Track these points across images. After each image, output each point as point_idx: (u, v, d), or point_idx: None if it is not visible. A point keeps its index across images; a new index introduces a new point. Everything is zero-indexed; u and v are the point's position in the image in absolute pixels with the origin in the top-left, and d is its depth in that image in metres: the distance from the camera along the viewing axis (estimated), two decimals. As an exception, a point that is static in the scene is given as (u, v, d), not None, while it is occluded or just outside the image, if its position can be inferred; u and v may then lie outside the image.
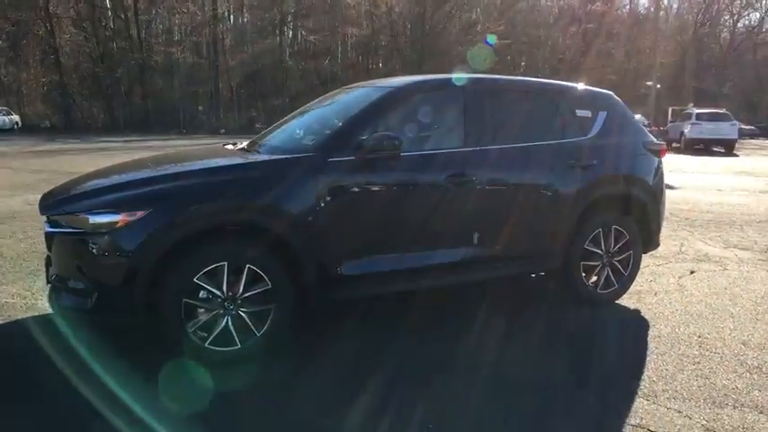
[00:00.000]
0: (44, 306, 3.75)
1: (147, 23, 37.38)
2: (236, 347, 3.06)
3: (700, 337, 3.66)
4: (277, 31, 39.04)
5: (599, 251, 4.10)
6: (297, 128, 4.03)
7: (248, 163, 3.24)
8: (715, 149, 23.69)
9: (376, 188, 3.35)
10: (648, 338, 3.63)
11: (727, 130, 23.89)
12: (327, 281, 3.26)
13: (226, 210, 3.05)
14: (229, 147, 4.05)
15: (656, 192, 4.30)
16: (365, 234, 3.37)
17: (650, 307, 4.21)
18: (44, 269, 3.36)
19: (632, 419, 2.67)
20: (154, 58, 35.90)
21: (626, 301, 4.30)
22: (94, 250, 2.86)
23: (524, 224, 3.80)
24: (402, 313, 3.92)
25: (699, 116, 24.31)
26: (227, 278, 2.99)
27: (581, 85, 4.35)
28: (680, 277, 4.98)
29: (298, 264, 3.14)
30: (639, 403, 2.82)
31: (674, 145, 24.40)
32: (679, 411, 2.74)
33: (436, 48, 41.92)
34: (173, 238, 2.87)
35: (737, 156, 21.70)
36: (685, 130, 24.50)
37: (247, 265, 3.02)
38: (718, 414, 2.72)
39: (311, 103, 4.60)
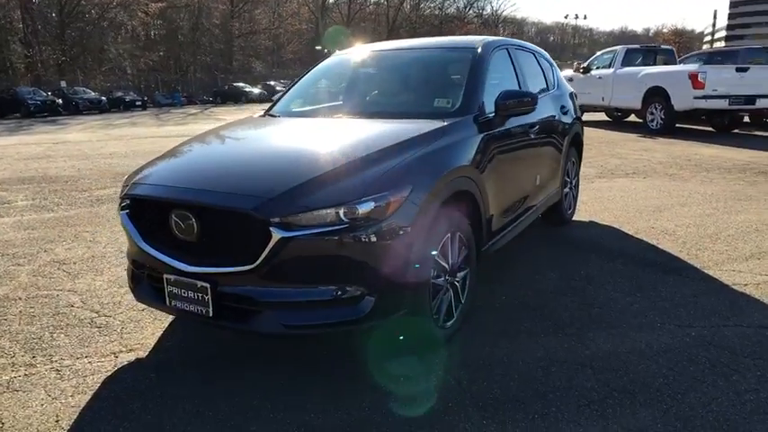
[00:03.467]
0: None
1: None
2: (453, 319, 2.95)
3: (664, 230, 5.00)
4: None
5: (568, 179, 5.07)
6: (357, 91, 3.82)
7: (438, 129, 2.97)
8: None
9: (511, 142, 3.54)
10: (637, 236, 4.81)
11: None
12: (491, 235, 3.36)
13: (456, 177, 2.84)
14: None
15: (582, 128, 5.47)
16: (509, 184, 3.54)
17: (597, 216, 5.44)
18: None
19: (726, 281, 3.73)
20: None
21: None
22: (369, 245, 2.36)
23: (553, 163, 4.48)
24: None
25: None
26: (450, 249, 2.85)
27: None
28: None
29: (479, 223, 3.15)
30: (713, 272, 3.91)
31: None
32: (739, 271, 3.93)
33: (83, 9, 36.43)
34: (430, 215, 2.58)
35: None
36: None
37: (458, 233, 2.92)
38: (757, 264, 4.03)
39: (338, 66, 4.31)
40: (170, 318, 3.31)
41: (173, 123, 21.69)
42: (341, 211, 2.32)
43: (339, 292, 2.38)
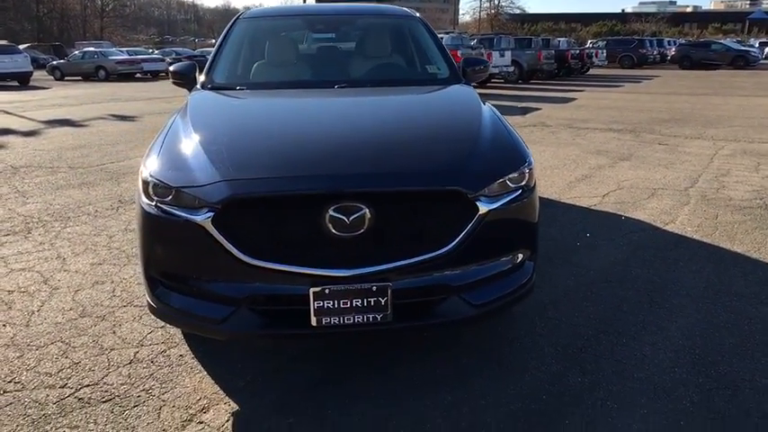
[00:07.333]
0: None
1: None
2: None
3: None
4: None
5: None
6: (329, 60, 3.42)
7: (476, 94, 2.96)
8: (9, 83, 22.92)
9: None
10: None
11: (21, 62, 23.50)
12: None
13: None
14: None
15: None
16: None
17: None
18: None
19: (581, 204, 4.85)
20: None
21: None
22: (532, 209, 2.40)
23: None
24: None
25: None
26: None
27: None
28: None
29: None
30: (565, 200, 4.99)
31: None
32: (579, 197, 5.11)
33: None
34: None
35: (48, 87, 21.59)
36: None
37: None
38: (584, 189, 5.28)
39: (272, 30, 3.72)
40: (182, 351, 2.57)
41: None
42: (507, 179, 2.28)
43: (514, 260, 2.35)
